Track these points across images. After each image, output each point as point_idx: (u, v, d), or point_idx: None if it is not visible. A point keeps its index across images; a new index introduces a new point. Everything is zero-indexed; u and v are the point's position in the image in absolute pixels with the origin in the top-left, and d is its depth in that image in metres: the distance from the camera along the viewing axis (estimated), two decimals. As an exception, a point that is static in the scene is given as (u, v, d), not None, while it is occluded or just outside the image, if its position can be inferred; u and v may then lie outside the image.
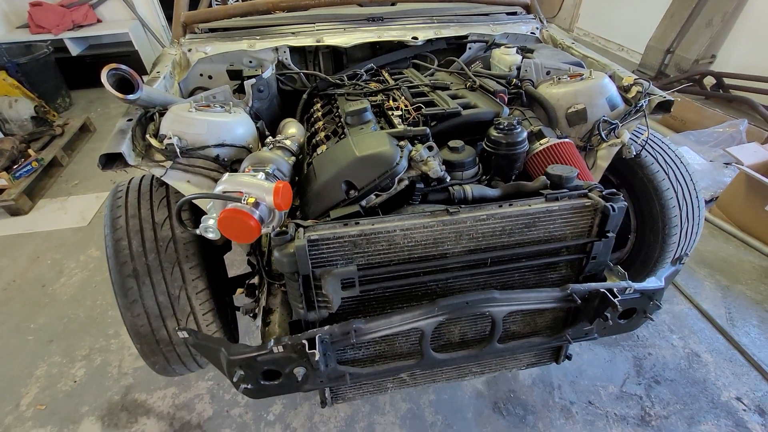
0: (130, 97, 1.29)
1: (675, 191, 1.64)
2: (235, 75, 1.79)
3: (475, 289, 1.19)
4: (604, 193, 1.13)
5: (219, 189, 1.08)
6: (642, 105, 1.56)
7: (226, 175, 1.11)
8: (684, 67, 4.93)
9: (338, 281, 1.00)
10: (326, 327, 1.03)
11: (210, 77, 1.97)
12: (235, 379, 1.06)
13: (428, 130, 1.25)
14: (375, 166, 1.14)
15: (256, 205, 1.05)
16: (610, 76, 1.72)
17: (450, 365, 1.24)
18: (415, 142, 1.27)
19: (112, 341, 2.32)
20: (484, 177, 1.34)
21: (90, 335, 2.37)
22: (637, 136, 1.64)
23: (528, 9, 2.37)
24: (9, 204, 3.24)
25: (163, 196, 1.41)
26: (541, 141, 1.50)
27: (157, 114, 1.43)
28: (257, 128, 1.55)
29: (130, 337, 1.33)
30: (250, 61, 1.94)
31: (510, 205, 1.11)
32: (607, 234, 1.12)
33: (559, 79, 1.69)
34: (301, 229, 1.02)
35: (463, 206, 1.09)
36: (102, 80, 1.24)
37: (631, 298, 1.19)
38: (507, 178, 1.37)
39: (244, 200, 1.03)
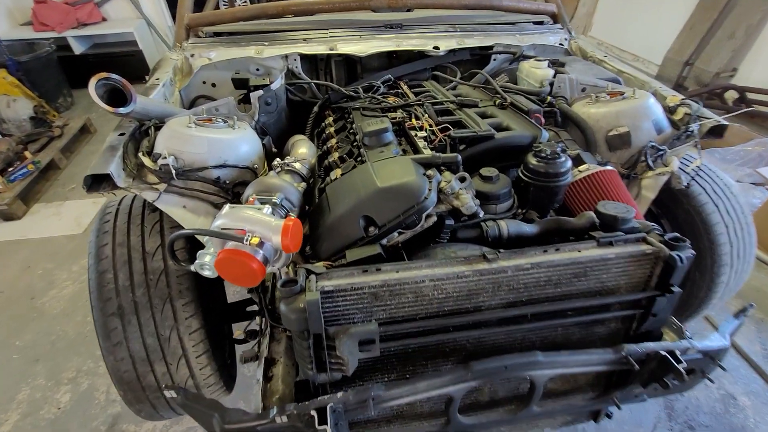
0: (122, 110, 1.13)
1: (726, 226, 1.47)
2: (240, 84, 1.64)
3: (511, 344, 1.02)
4: (666, 237, 0.97)
5: (218, 224, 0.92)
6: (693, 130, 1.40)
7: (227, 206, 0.95)
8: (704, 80, 4.75)
9: (356, 342, 0.84)
10: (339, 394, 0.87)
11: (214, 85, 1.82)
12: (230, 450, 0.89)
13: (459, 158, 1.09)
14: (399, 199, 0.98)
15: (261, 244, 0.90)
16: (653, 94, 1.56)
17: (479, 430, 1.07)
18: (443, 170, 1.11)
19: (100, 363, 2.16)
20: (519, 210, 1.18)
21: (78, 355, 2.21)
22: (686, 164, 1.48)
23: (555, 18, 2.21)
24: (2, 208, 3.10)
25: (156, 220, 1.25)
26: (580, 168, 1.33)
27: (152, 128, 1.28)
28: (263, 145, 1.40)
29: (112, 382, 1.17)
30: (258, 69, 1.78)
31: (557, 250, 0.95)
32: (672, 289, 0.95)
33: (597, 97, 1.52)
34: (312, 277, 0.86)
35: (501, 252, 0.92)
36: (90, 92, 1.09)
37: (692, 359, 1.03)
38: (545, 211, 1.20)
39: (246, 240, 0.87)
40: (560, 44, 2.07)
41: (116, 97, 1.18)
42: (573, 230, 1.10)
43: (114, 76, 1.13)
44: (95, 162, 1.13)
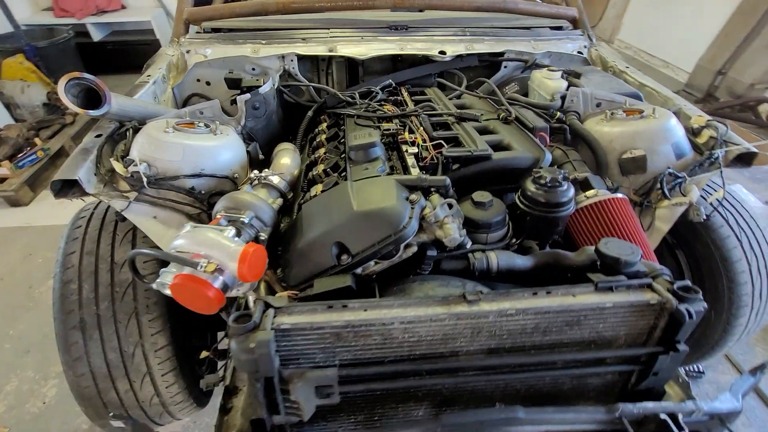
0: (93, 112, 1.07)
1: (749, 263, 1.33)
2: (233, 84, 1.57)
3: (492, 392, 0.92)
4: (675, 286, 0.85)
5: (176, 244, 0.85)
6: (717, 156, 1.26)
7: (188, 225, 0.88)
8: (737, 91, 4.47)
9: (312, 388, 0.76)
10: (294, 440, 0.79)
11: (208, 84, 1.76)
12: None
13: (448, 181, 0.99)
14: (376, 227, 0.89)
15: (219, 271, 0.82)
16: (675, 113, 1.41)
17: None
18: (433, 191, 1.01)
19: (89, 358, 2.15)
20: (513, 240, 1.07)
21: (69, 348, 2.20)
22: (707, 194, 1.34)
23: (575, 23, 2.06)
24: (9, 194, 3.14)
25: (129, 229, 1.19)
26: (588, 193, 1.22)
27: (131, 130, 1.22)
28: (248, 152, 1.32)
29: (74, 397, 1.13)
30: (253, 69, 1.71)
31: (548, 293, 0.84)
32: (677, 346, 0.84)
33: (613, 114, 1.39)
34: (270, 312, 0.78)
35: (483, 293, 0.82)
36: (59, 93, 1.03)
37: (697, 421, 0.91)
38: (543, 242, 1.09)
39: (201, 267, 0.79)
40: (579, 52, 1.93)
41: (92, 98, 1.12)
42: (572, 268, 0.99)
43: (87, 75, 1.07)
44: (65, 165, 1.08)
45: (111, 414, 0.87)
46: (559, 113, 1.42)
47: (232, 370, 1.04)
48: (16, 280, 2.61)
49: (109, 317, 1.08)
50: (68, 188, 1.07)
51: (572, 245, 1.24)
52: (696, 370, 2.08)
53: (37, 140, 3.52)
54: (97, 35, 5.22)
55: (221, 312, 1.11)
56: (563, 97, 1.47)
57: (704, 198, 1.33)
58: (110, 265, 1.12)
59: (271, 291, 1.07)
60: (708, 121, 1.38)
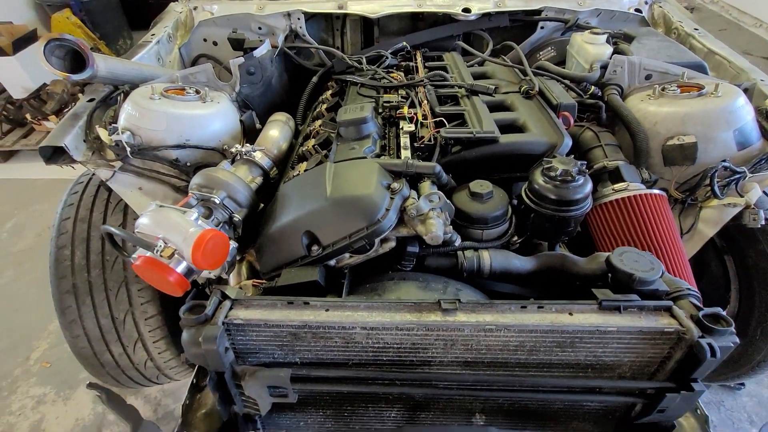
0: (75, 77, 1.03)
1: (813, 280, 1.10)
2: (236, 44, 1.47)
3: (471, 403, 0.84)
4: (701, 314, 0.69)
5: (138, 223, 0.81)
6: (793, 148, 1.01)
7: (152, 204, 0.83)
8: None
9: (264, 386, 0.72)
10: (249, 433, 0.77)
11: (215, 43, 1.68)
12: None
13: (438, 168, 0.86)
14: (349, 217, 0.80)
15: (180, 254, 0.78)
16: (745, 91, 1.15)
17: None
18: (425, 179, 0.89)
19: (118, 308, 2.32)
20: (515, 238, 0.94)
21: (102, 297, 2.39)
22: (771, 195, 1.10)
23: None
24: (56, 148, 3.34)
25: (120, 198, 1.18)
26: (616, 186, 1.03)
27: (122, 95, 1.18)
28: (241, 121, 1.25)
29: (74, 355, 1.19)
30: (260, 28, 1.59)
31: (539, 308, 0.72)
32: (693, 385, 0.70)
33: (664, 89, 1.15)
34: (226, 304, 0.73)
35: (461, 303, 0.72)
36: (38, 55, 0.99)
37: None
38: (551, 243, 0.95)
39: (157, 250, 0.75)
40: (636, 10, 1.62)
41: (79, 60, 1.08)
42: (577, 276, 0.85)
43: (68, 36, 1.02)
44: (54, 131, 1.06)
45: (88, 383, 0.89)
46: (594, 87, 1.19)
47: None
48: (59, 230, 2.83)
49: (100, 285, 1.10)
50: (59, 155, 1.06)
51: (591, 246, 1.08)
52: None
53: (80, 96, 3.67)
54: (138, -11, 5.22)
55: (205, 289, 1.10)
56: (604, 67, 1.24)
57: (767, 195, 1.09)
58: (101, 234, 1.12)
59: (255, 273, 1.03)
60: (790, 101, 1.11)
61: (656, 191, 1.00)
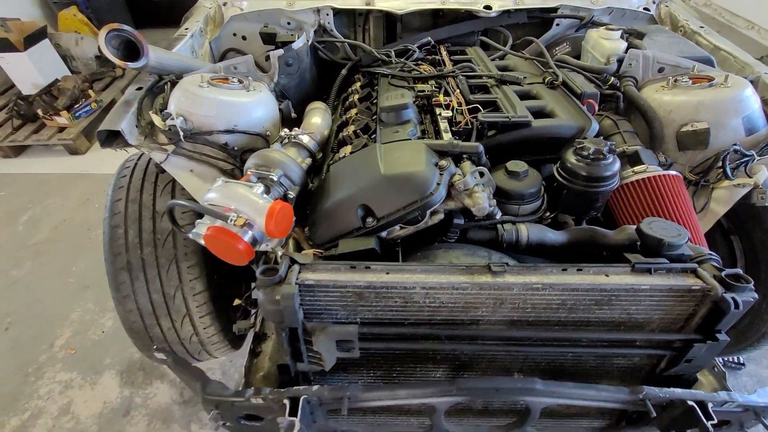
0: (132, 65, 1.10)
1: (815, 256, 1.20)
2: (268, 39, 1.54)
3: (511, 362, 0.92)
4: (724, 274, 0.78)
5: (207, 197, 0.88)
6: (797, 133, 1.11)
7: (220, 180, 0.90)
8: (836, 60, 3.86)
9: (333, 341, 0.79)
10: (315, 387, 0.84)
11: (244, 38, 1.74)
12: (209, 417, 0.92)
13: (481, 148, 0.94)
14: (403, 192, 0.88)
15: (248, 225, 0.85)
16: (751, 82, 1.25)
17: (464, 438, 1.01)
18: (465, 159, 0.97)
19: (139, 298, 2.37)
20: (548, 214, 1.02)
21: (121, 287, 2.43)
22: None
23: (645, -26, 1.82)
24: (68, 143, 3.37)
25: (169, 180, 1.24)
26: (636, 168, 1.12)
27: (169, 84, 1.24)
28: (280, 110, 1.32)
29: (124, 329, 1.25)
30: (289, 23, 1.67)
31: (578, 270, 0.81)
32: (717, 335, 0.78)
33: (677, 81, 1.25)
34: (295, 268, 0.80)
35: (510, 265, 0.80)
36: (99, 44, 1.06)
37: (729, 411, 0.87)
38: (579, 218, 1.04)
39: (231, 220, 0.82)
40: (645, 9, 1.72)
41: (132, 50, 1.15)
42: (608, 247, 0.94)
43: (126, 27, 1.09)
44: (109, 116, 1.12)
45: (155, 347, 0.95)
46: (612, 78, 1.29)
47: (262, 318, 1.11)
48: (76, 223, 2.86)
49: (152, 261, 1.16)
50: (113, 138, 1.13)
51: (611, 223, 1.17)
52: (735, 361, 1.97)
53: (90, 92, 3.71)
54: (144, -12, 5.26)
55: (252, 264, 1.17)
56: (620, 60, 1.33)
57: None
58: (152, 213, 1.19)
59: (299, 248, 1.10)
60: (792, 91, 1.21)
61: (673, 172, 1.09)
